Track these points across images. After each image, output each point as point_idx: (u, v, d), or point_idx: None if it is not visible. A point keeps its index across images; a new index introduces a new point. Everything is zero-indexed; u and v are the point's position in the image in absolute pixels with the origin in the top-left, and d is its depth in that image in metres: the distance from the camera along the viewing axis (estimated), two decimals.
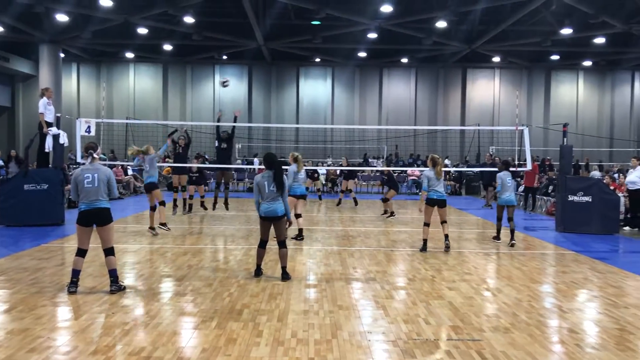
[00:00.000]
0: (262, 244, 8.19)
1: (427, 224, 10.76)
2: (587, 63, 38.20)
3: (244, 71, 39.18)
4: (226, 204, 15.89)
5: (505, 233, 12.01)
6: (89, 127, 14.61)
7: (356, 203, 19.45)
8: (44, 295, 6.95)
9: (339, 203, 19.54)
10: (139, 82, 38.49)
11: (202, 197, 17.04)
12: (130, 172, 23.92)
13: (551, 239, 12.65)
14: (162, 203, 12.22)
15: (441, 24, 28.21)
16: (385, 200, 16.43)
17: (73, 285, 7.13)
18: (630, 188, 14.15)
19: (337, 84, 39.27)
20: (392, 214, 16.18)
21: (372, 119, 38.83)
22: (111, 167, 22.83)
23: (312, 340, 5.46)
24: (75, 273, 7.19)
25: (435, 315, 6.38)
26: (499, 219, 11.89)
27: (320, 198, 21.48)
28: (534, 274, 8.77)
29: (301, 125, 36.27)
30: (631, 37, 31.75)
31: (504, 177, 11.66)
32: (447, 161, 29.80)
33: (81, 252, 7.22)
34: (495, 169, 13.80)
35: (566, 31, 29.02)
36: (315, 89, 39.19)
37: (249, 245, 10.98)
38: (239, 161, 33.12)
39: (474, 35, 31.74)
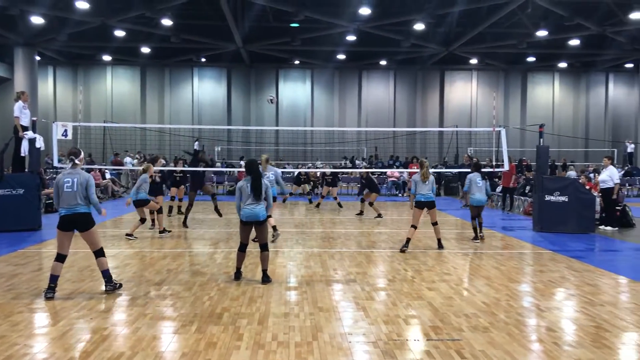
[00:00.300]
0: (242, 248, 8.19)
1: (413, 226, 10.92)
2: (563, 65, 38.77)
3: (222, 74, 39.04)
4: (217, 211, 15.28)
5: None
6: (65, 130, 14.44)
7: (340, 206, 19.53)
8: (21, 302, 6.86)
9: (318, 205, 19.57)
10: (117, 85, 38.14)
11: (181, 200, 17.15)
12: (108, 175, 23.68)
13: (529, 238, 12.81)
14: (160, 210, 12.92)
15: (419, 27, 28.41)
16: (363, 201, 16.78)
17: (50, 291, 7.08)
18: (602, 187, 14.39)
19: (317, 86, 39.32)
20: (379, 215, 16.52)
21: (352, 121, 38.95)
22: (88, 171, 22.55)
23: (292, 343, 5.46)
24: (53, 278, 7.14)
25: (415, 316, 6.42)
26: (474, 218, 12.14)
27: (310, 201, 21.46)
28: (512, 274, 8.87)
29: (281, 128, 36.23)
30: (605, 39, 32.30)
31: (474, 178, 12.00)
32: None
33: (60, 258, 7.20)
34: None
35: (542, 33, 29.43)
36: (295, 91, 39.20)
37: (229, 248, 10.94)
38: (219, 164, 33.00)
39: (451, 38, 32.02)
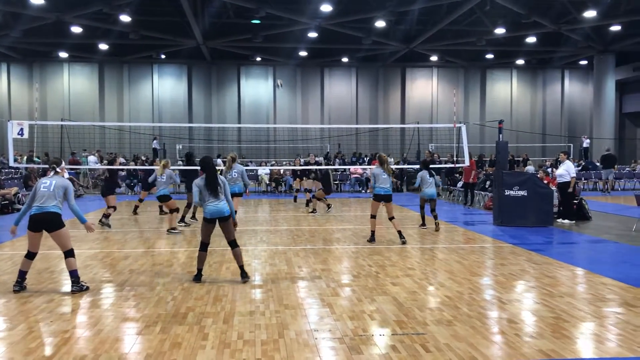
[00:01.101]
0: (204, 247, 7.96)
1: (373, 216, 11.48)
2: (520, 62, 39.63)
3: (183, 71, 38.61)
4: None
5: (431, 221, 13.36)
6: (21, 129, 14.08)
7: (308, 205, 18.07)
8: None
9: (307, 203, 18.26)
10: (74, 83, 37.32)
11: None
12: (66, 175, 23.11)
13: (489, 232, 13.05)
14: (176, 210, 13.00)
15: (380, 24, 28.62)
16: (315, 197, 17.00)
17: (17, 285, 7.34)
18: (559, 181, 14.76)
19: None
20: (314, 210, 16.77)
21: (315, 118, 39.01)
22: (45, 170, 22.01)
23: (258, 341, 5.44)
24: (21, 274, 7.38)
25: (380, 311, 6.47)
26: (422, 208, 13.84)
27: (295, 199, 20.55)
28: (474, 267, 9.02)
29: (243, 125, 36.04)
30: (560, 37, 33.13)
31: (424, 175, 13.39)
32: (390, 159, 30.25)
33: (30, 255, 7.43)
34: (437, 166, 14.34)
35: (500, 31, 30.01)
36: (257, 89, 39.03)
37: (193, 247, 10.83)
38: (180, 163, 32.58)
39: (412, 35, 32.36)
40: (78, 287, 7.33)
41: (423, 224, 13.68)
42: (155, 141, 32.94)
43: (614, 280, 8.01)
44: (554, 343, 5.41)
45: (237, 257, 7.99)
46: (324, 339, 5.53)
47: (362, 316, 6.28)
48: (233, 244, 7.96)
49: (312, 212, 16.69)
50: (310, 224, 14.46)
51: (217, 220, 7.88)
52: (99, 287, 7.63)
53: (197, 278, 7.96)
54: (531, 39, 32.59)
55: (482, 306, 6.73)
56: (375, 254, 10.12)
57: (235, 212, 11.73)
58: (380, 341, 5.47)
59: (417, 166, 24.40)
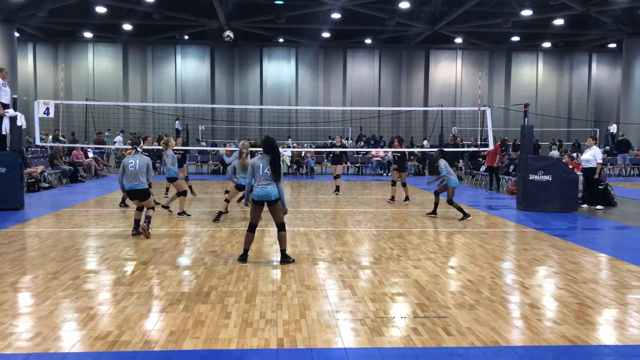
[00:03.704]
0: (252, 228, 7.92)
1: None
2: (547, 44, 38.90)
3: (206, 52, 38.67)
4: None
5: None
6: (47, 109, 14.24)
7: (338, 190, 17.40)
8: (5, 281, 6.79)
9: (336, 190, 17.38)
10: (98, 63, 37.62)
11: (187, 178, 16.23)
12: (90, 154, 23.43)
13: (512, 217, 12.93)
14: (184, 193, 12.51)
15: (404, 5, 28.29)
16: (394, 184, 15.71)
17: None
18: (584, 166, 14.54)
19: (301, 64, 39.10)
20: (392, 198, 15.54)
21: (337, 100, 38.86)
22: (71, 150, 22.31)
23: (280, 321, 5.48)
24: (135, 223, 9.96)
25: (402, 294, 6.47)
26: (438, 195, 12.87)
27: (338, 190, 18.64)
28: (497, 252, 8.96)
29: (265, 107, 36.09)
30: (589, 19, 32.42)
31: (446, 163, 12.68)
32: (425, 142, 30.44)
33: (138, 208, 9.99)
34: (461, 149, 14.14)
35: (526, 12, 29.46)
36: (279, 70, 38.97)
37: (214, 227, 10.91)
38: (203, 143, 32.79)
39: (436, 17, 31.92)
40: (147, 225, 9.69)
41: (434, 213, 12.77)
42: (177, 122, 33.13)
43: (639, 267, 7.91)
44: (577, 329, 5.36)
45: (281, 241, 7.96)
46: (345, 320, 5.55)
47: (384, 298, 6.28)
48: (281, 227, 7.90)
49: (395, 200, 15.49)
50: (331, 206, 14.46)
51: (264, 203, 7.81)
52: (124, 266, 7.74)
53: (243, 258, 7.98)
54: (558, 22, 31.94)
55: (504, 291, 6.69)
56: (397, 237, 10.11)
57: (228, 201, 12.05)
58: (401, 323, 5.47)
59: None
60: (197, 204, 14.69)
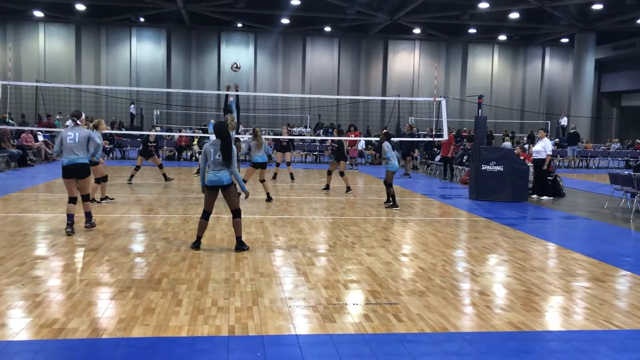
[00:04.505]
0: (206, 215, 7.83)
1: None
2: (502, 37, 39.58)
3: (162, 35, 37.89)
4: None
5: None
6: None
7: (293, 178, 17.75)
8: None
9: (274, 177, 17.74)
10: (50, 44, 36.40)
11: (161, 166, 16.30)
12: (40, 138, 22.72)
13: (465, 206, 13.18)
14: (104, 179, 11.85)
15: None
16: (330, 173, 15.52)
17: (69, 227, 8.59)
18: (534, 157, 14.92)
19: (260, 51, 38.76)
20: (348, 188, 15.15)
21: (296, 88, 38.70)
22: (20, 132, 21.60)
23: (232, 308, 5.45)
24: (70, 217, 8.63)
25: (355, 281, 6.52)
26: (391, 185, 12.42)
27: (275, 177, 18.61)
28: (449, 240, 9.13)
29: (222, 92, 35.58)
30: (543, 14, 33.12)
31: (389, 146, 12.30)
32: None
33: (71, 200, 8.72)
34: (417, 139, 14.23)
35: (483, 5, 29.87)
36: (237, 56, 38.43)
37: (167, 214, 10.76)
38: (158, 129, 32.18)
39: (395, 7, 32.07)
40: (90, 224, 9.03)
41: (395, 204, 12.31)
42: (132, 106, 32.44)
43: (584, 255, 8.17)
44: (524, 315, 5.51)
45: (236, 228, 7.89)
46: (298, 307, 5.56)
47: (337, 285, 6.32)
48: (236, 213, 7.83)
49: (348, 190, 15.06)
50: (288, 194, 14.44)
51: (219, 190, 7.74)
52: (73, 252, 7.56)
53: (196, 245, 7.88)
54: (514, 15, 32.54)
55: (454, 278, 6.82)
56: (352, 225, 10.17)
57: (263, 180, 13.11)
58: (353, 310, 5.52)
59: (397, 139, 24.47)
60: (150, 189, 14.44)
